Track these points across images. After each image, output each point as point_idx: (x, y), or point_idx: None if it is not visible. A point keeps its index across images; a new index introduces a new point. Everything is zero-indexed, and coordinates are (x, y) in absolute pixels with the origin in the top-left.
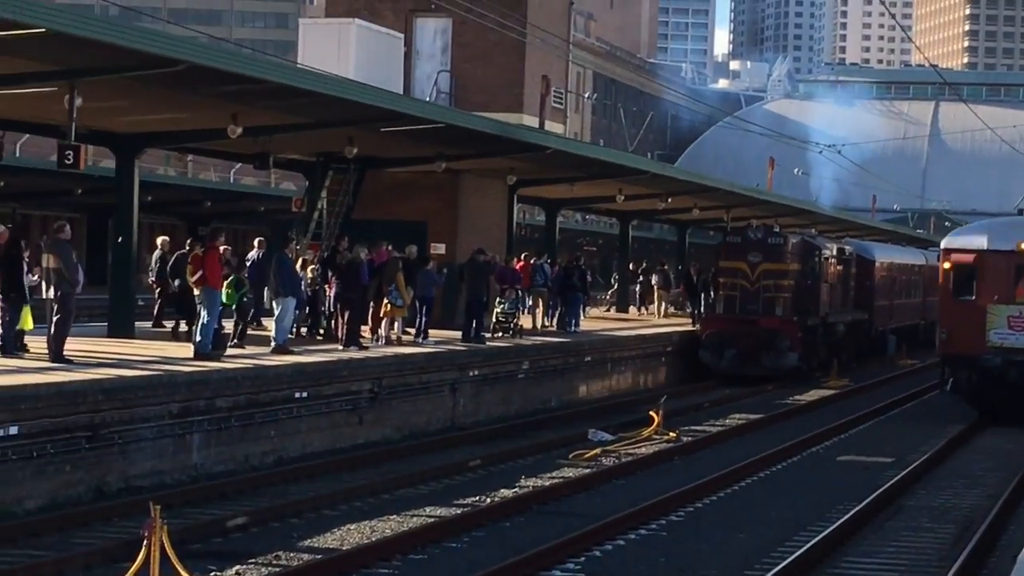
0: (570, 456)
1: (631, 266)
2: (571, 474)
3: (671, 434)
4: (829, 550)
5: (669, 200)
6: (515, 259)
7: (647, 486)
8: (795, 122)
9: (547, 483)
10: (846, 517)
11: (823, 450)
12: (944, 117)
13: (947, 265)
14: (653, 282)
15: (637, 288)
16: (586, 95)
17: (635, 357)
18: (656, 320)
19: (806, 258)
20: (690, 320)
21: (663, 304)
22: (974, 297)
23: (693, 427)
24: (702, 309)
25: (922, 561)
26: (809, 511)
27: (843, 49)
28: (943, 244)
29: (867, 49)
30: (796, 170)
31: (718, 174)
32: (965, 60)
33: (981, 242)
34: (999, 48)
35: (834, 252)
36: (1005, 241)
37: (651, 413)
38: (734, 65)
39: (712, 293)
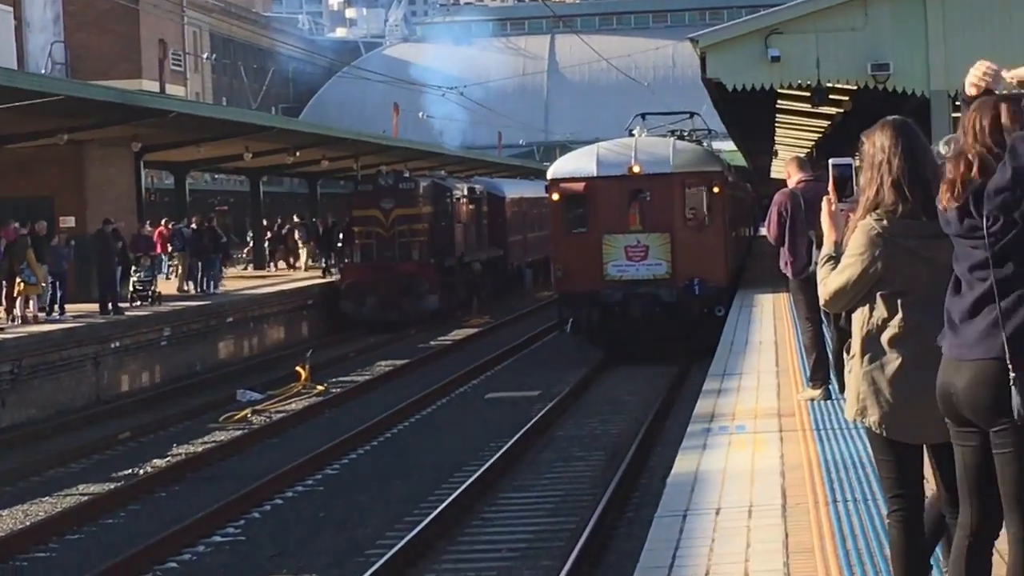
0: (220, 419)
1: (264, 222)
2: (223, 437)
3: (320, 387)
4: (486, 488)
5: (297, 154)
6: (158, 225)
7: (301, 442)
8: (416, 65)
9: (200, 449)
10: (499, 454)
11: (471, 389)
12: (561, 50)
13: (556, 196)
14: (297, 236)
15: (266, 245)
16: (204, 56)
17: (278, 313)
18: (297, 275)
19: (438, 201)
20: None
21: (308, 258)
22: (587, 229)
23: (341, 378)
24: (332, 260)
25: (576, 490)
26: (463, 451)
27: None
28: (549, 174)
29: None
30: (420, 114)
31: (344, 124)
32: None
33: (590, 168)
34: None
35: (465, 192)
36: (615, 166)
37: (298, 368)
38: (350, 13)
39: (348, 243)
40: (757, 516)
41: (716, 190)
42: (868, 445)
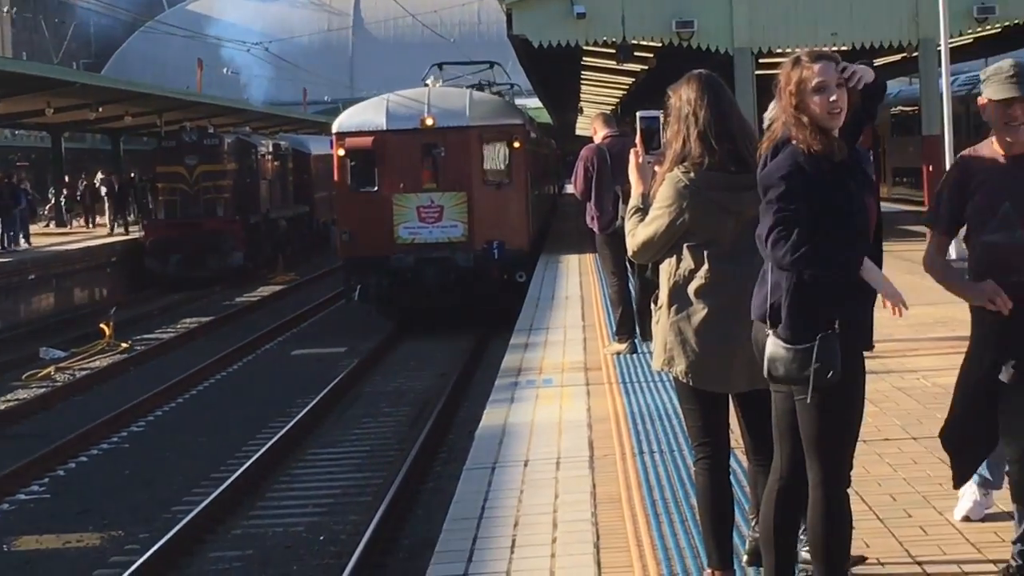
0: (23, 377)
1: (67, 179)
2: (26, 395)
3: (124, 345)
4: (293, 444)
5: (100, 110)
6: None
7: (105, 400)
8: (220, 21)
9: (2, 407)
10: (306, 409)
11: (277, 346)
12: (366, 6)
13: (341, 152)
14: (103, 193)
15: (63, 201)
16: (4, 9)
17: (81, 271)
18: (101, 232)
19: (243, 157)
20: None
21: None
22: (377, 188)
23: (146, 336)
24: (128, 216)
25: (384, 445)
26: (270, 407)
27: None
28: (335, 127)
29: None
30: (225, 70)
31: (147, 79)
32: None
33: (379, 121)
34: None
35: (270, 149)
36: (406, 119)
37: (101, 326)
38: None
39: (152, 199)
40: (565, 467)
41: (517, 145)
42: (674, 396)
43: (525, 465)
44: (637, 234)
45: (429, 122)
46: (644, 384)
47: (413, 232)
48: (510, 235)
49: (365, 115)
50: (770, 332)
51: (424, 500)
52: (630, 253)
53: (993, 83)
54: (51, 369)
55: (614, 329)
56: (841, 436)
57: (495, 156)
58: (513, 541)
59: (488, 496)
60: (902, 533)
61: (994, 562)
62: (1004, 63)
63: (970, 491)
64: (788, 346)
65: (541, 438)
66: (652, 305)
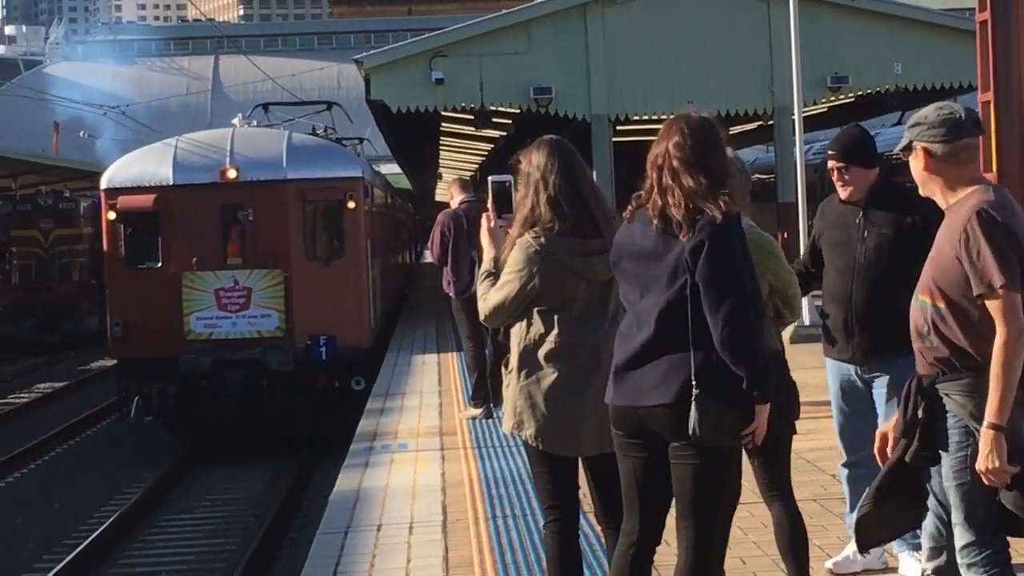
0: None
1: None
2: None
3: None
4: (146, 510)
5: None
6: None
7: None
8: (78, 84)
9: None
10: (159, 473)
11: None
12: (225, 70)
13: (112, 215)
14: None
15: None
16: None
17: None
18: None
19: (99, 221)
20: None
21: None
22: (160, 264)
23: (0, 401)
24: None
25: (239, 511)
26: (125, 472)
27: (119, 8)
28: (103, 181)
29: (143, 7)
30: (82, 133)
31: (2, 143)
32: (241, 12)
33: (164, 173)
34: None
35: None
36: (201, 170)
37: None
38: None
39: (6, 263)
40: (418, 532)
41: (352, 206)
42: (526, 460)
43: (378, 529)
44: (489, 298)
45: (232, 174)
46: (498, 449)
47: (211, 324)
48: (344, 327)
49: (145, 165)
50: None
51: (278, 567)
52: (482, 317)
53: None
54: None
55: (470, 394)
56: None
57: (324, 220)
58: None
59: (340, 560)
60: None
61: None
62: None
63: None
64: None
65: (395, 502)
66: (503, 369)
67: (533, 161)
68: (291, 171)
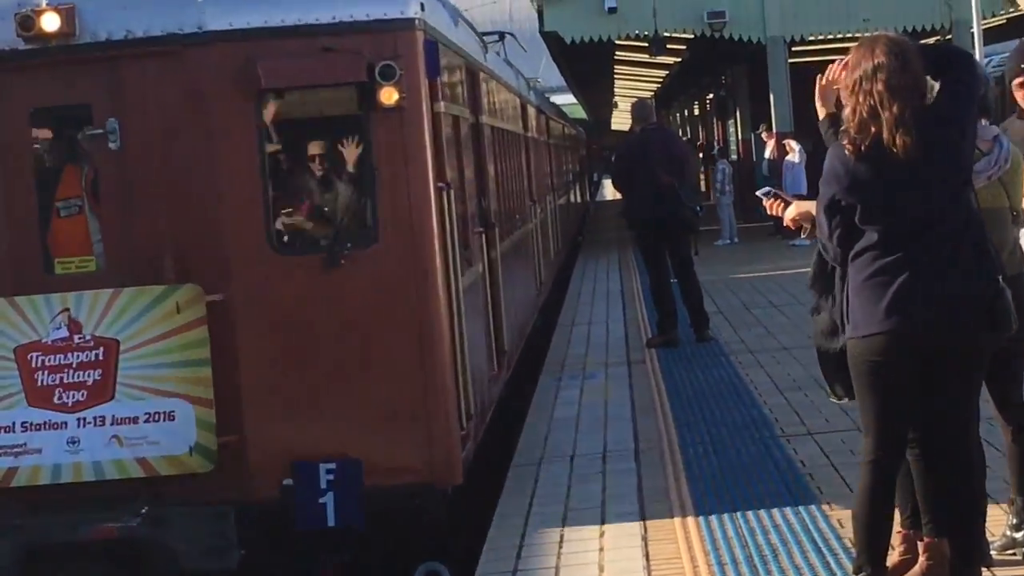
0: None
1: None
2: None
3: None
4: None
5: None
6: None
7: None
8: None
9: None
10: None
11: None
12: None
13: None
14: None
15: None
16: None
17: None
18: None
19: None
20: None
21: None
22: None
23: None
24: None
25: None
26: None
27: None
28: None
29: None
30: None
31: None
32: None
33: None
34: None
35: None
36: None
37: None
38: None
39: None
40: (611, 461)
41: (390, 95)
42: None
43: (571, 459)
44: None
45: (51, 23)
46: (686, 377)
47: (10, 447)
48: (388, 438)
49: None
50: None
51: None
52: None
53: None
54: None
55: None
56: None
57: (318, 146)
58: (561, 536)
59: (536, 491)
60: None
61: None
62: None
63: None
64: None
65: (587, 432)
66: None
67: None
68: (218, 10)
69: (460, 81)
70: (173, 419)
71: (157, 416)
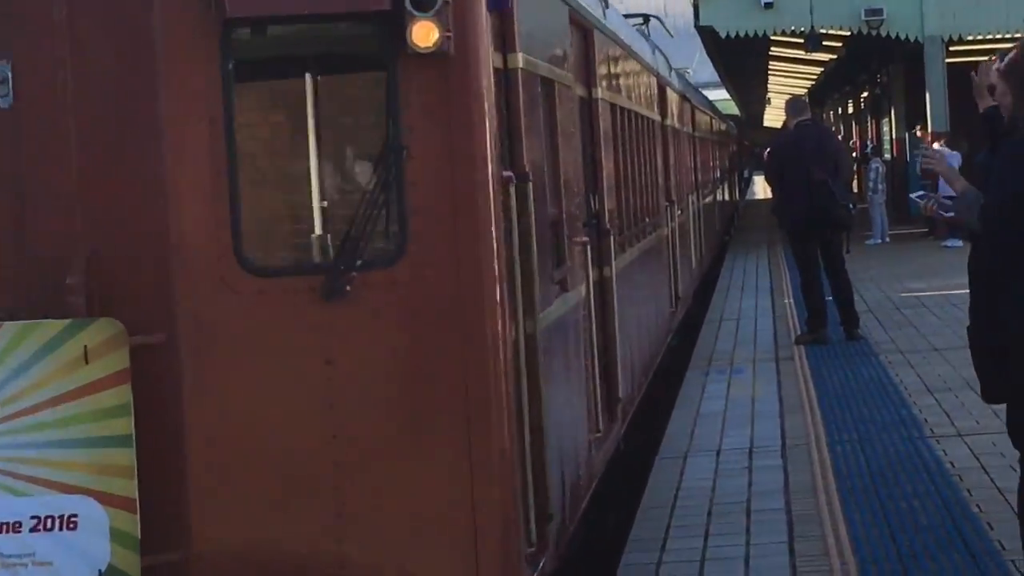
0: None
1: None
2: None
3: None
4: None
5: None
6: None
7: None
8: None
9: None
10: None
11: None
12: None
13: None
14: None
15: None
16: None
17: None
18: None
19: None
20: None
21: None
22: None
23: None
24: None
25: None
26: None
27: None
28: None
29: None
30: None
31: None
32: None
33: None
34: None
35: None
36: None
37: None
38: None
39: None
40: (758, 456)
41: (427, 35)
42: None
43: (718, 454)
44: None
45: None
46: (835, 374)
47: None
48: (432, 537)
49: None
50: None
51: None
52: None
53: None
54: None
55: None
56: None
57: (317, 116)
58: (706, 529)
59: (681, 485)
60: None
61: None
62: None
63: None
64: None
65: (733, 427)
66: None
67: None
68: None
69: (560, 34)
70: (74, 527)
71: (50, 522)
